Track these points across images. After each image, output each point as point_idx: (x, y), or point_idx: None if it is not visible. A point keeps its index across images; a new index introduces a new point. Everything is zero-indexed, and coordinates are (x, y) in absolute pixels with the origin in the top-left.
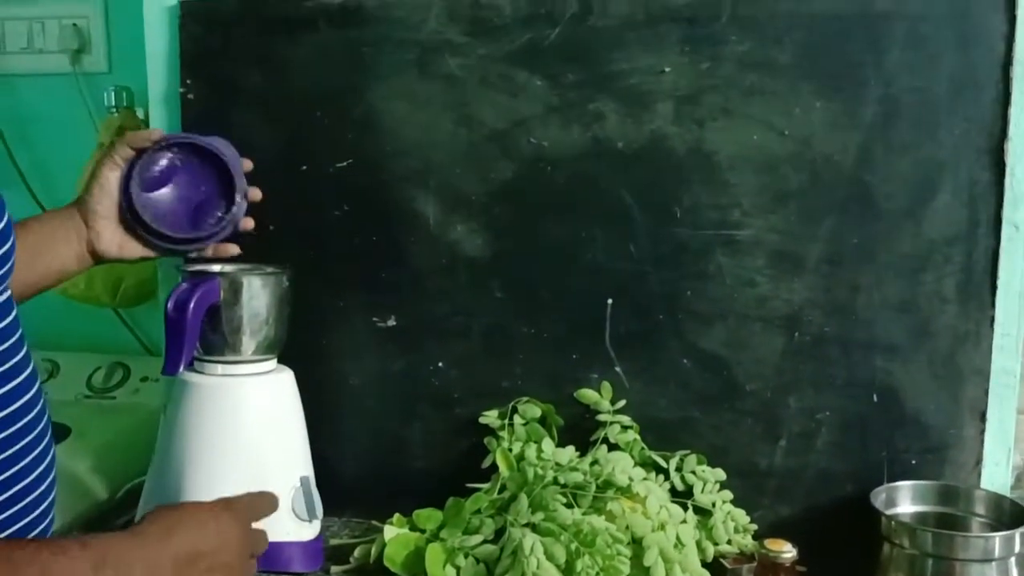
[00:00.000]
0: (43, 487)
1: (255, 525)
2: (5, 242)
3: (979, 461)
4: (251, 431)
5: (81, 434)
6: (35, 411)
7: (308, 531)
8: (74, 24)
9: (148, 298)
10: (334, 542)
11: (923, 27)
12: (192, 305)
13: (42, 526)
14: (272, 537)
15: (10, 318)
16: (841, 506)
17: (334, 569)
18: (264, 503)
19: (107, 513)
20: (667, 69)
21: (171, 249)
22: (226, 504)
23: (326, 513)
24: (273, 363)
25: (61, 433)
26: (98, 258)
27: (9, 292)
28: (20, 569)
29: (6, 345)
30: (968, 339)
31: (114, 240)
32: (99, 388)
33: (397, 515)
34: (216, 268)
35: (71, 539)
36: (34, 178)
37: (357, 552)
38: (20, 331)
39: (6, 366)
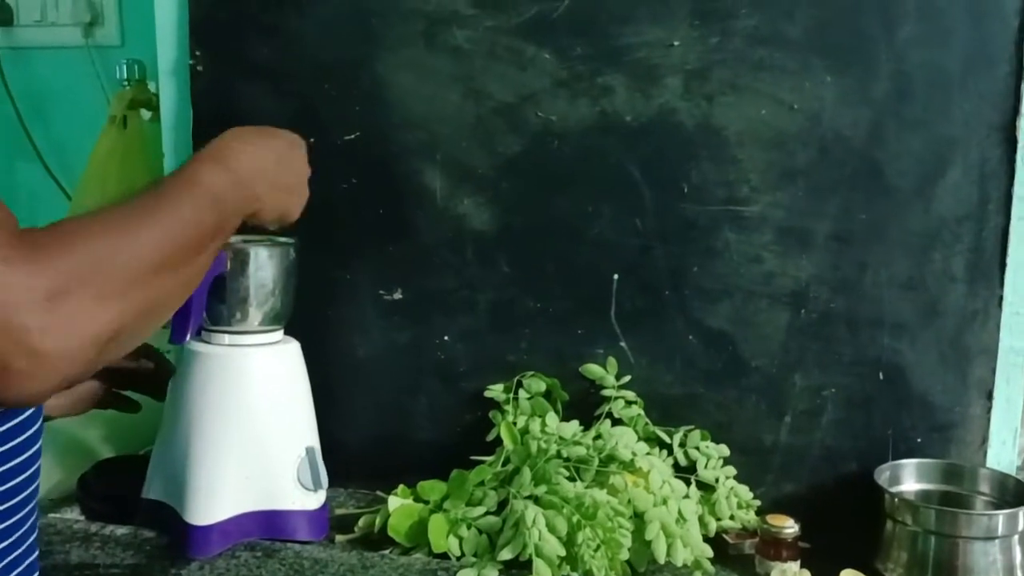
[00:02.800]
0: (32, 471)
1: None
2: None
3: (985, 440)
4: (257, 401)
5: None
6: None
7: (313, 500)
8: None
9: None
10: (339, 512)
11: (936, 0)
12: None
13: (30, 489)
14: (277, 506)
15: None
16: (845, 483)
17: (339, 538)
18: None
19: None
20: (676, 43)
21: None
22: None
23: (331, 483)
24: (280, 334)
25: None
26: None
27: None
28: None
29: None
30: (976, 318)
31: None
32: None
33: (401, 486)
34: None
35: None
36: (48, 151)
37: (362, 522)
38: None
39: None
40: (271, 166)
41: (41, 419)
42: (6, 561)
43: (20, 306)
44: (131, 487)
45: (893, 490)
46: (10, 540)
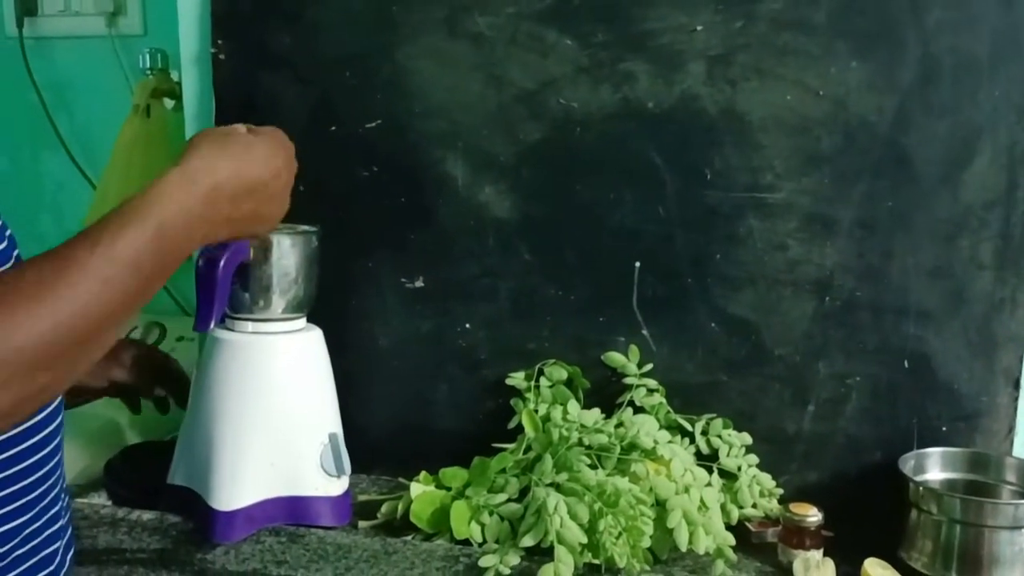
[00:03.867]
0: (50, 449)
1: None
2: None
3: (1011, 429)
4: (280, 387)
5: None
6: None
7: (336, 486)
8: None
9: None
10: (362, 498)
11: None
12: (222, 262)
13: (49, 466)
14: (301, 492)
15: None
16: (869, 472)
17: (362, 524)
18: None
19: None
20: (699, 28)
21: None
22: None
23: (355, 470)
24: (302, 322)
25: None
26: None
27: None
28: (77, 254)
29: None
30: (1004, 305)
31: None
32: None
33: (424, 473)
34: None
35: (131, 207)
36: (72, 141)
37: (384, 508)
38: None
39: None
40: (231, 191)
41: (59, 400)
42: (26, 533)
43: None
44: (157, 473)
45: (918, 479)
46: (30, 515)
